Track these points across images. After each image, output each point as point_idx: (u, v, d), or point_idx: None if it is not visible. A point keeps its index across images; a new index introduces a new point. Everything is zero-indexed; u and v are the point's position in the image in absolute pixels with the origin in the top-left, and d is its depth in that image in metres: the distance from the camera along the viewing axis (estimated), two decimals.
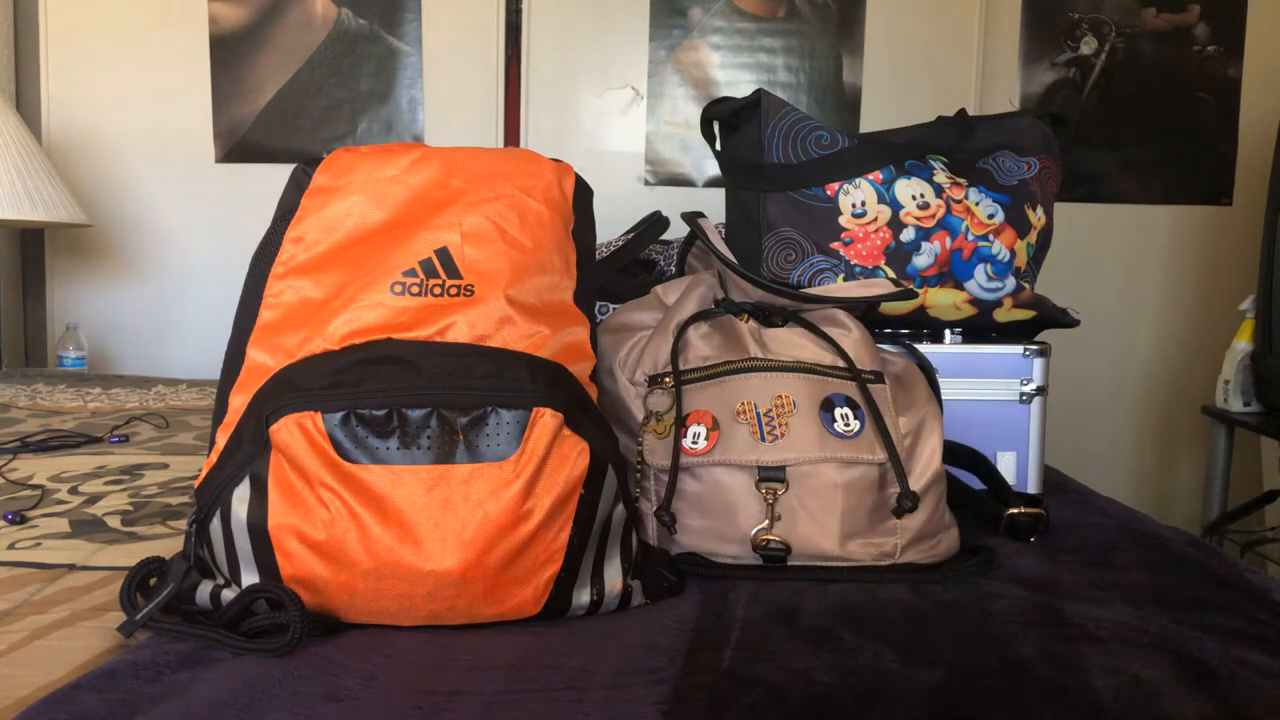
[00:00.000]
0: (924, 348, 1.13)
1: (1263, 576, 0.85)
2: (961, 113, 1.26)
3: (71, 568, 0.84)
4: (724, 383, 0.88)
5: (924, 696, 0.60)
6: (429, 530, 0.66)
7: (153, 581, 0.72)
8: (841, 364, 0.89)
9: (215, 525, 0.71)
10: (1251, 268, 2.24)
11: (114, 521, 0.98)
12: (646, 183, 2.47)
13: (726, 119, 1.22)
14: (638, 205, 2.38)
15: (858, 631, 0.71)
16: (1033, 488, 1.16)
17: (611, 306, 1.31)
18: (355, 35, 2.46)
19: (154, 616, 0.67)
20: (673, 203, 2.41)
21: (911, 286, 1.14)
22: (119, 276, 2.55)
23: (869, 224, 1.14)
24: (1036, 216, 1.19)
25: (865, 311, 1.01)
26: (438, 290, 0.73)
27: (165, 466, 1.23)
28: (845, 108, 2.41)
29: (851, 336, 0.92)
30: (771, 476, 0.83)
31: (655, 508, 0.85)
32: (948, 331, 1.18)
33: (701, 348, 0.91)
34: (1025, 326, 1.19)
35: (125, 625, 0.67)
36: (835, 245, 1.14)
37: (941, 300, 1.14)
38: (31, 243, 2.59)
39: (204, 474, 0.73)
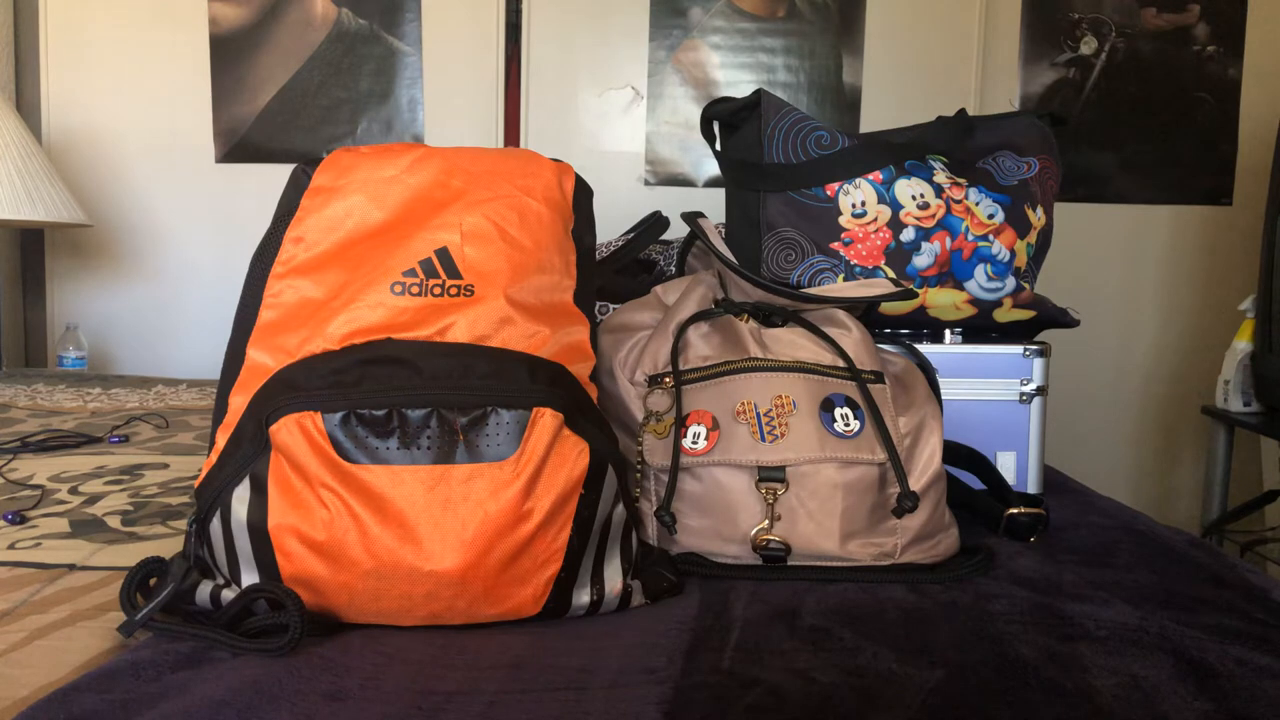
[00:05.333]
0: (924, 348, 1.13)
1: (1263, 576, 0.85)
2: (961, 113, 1.26)
3: (71, 568, 0.84)
4: (724, 383, 0.88)
5: (924, 696, 0.60)
6: (429, 530, 0.66)
7: (153, 581, 0.72)
8: (841, 364, 0.89)
9: (215, 525, 0.71)
10: (1251, 268, 2.24)
11: (114, 521, 0.98)
12: (646, 183, 2.47)
13: (726, 119, 1.22)
14: (638, 205, 2.38)
15: (858, 631, 0.71)
16: (1033, 488, 1.16)
17: (611, 306, 1.31)
18: (355, 35, 2.46)
19: (154, 616, 0.67)
20: (673, 203, 2.41)
21: (911, 286, 1.14)
22: (119, 276, 2.55)
23: (869, 224, 1.14)
24: (1036, 216, 1.19)
25: (865, 311, 1.01)
26: (438, 290, 0.73)
27: (165, 466, 1.23)
28: (845, 108, 2.41)
29: (851, 336, 0.92)
30: (771, 476, 0.83)
31: (655, 508, 0.85)
32: (948, 331, 1.18)
33: (701, 348, 0.92)
34: (1025, 326, 1.19)
35: (125, 625, 0.67)
36: (835, 245, 1.14)
37: (941, 300, 1.14)
38: (31, 243, 2.59)
39: (204, 474, 0.73)
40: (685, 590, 0.81)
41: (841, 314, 0.95)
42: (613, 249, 1.41)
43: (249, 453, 0.69)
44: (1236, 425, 2.05)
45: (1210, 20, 2.37)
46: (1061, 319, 1.19)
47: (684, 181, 2.46)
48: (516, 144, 2.48)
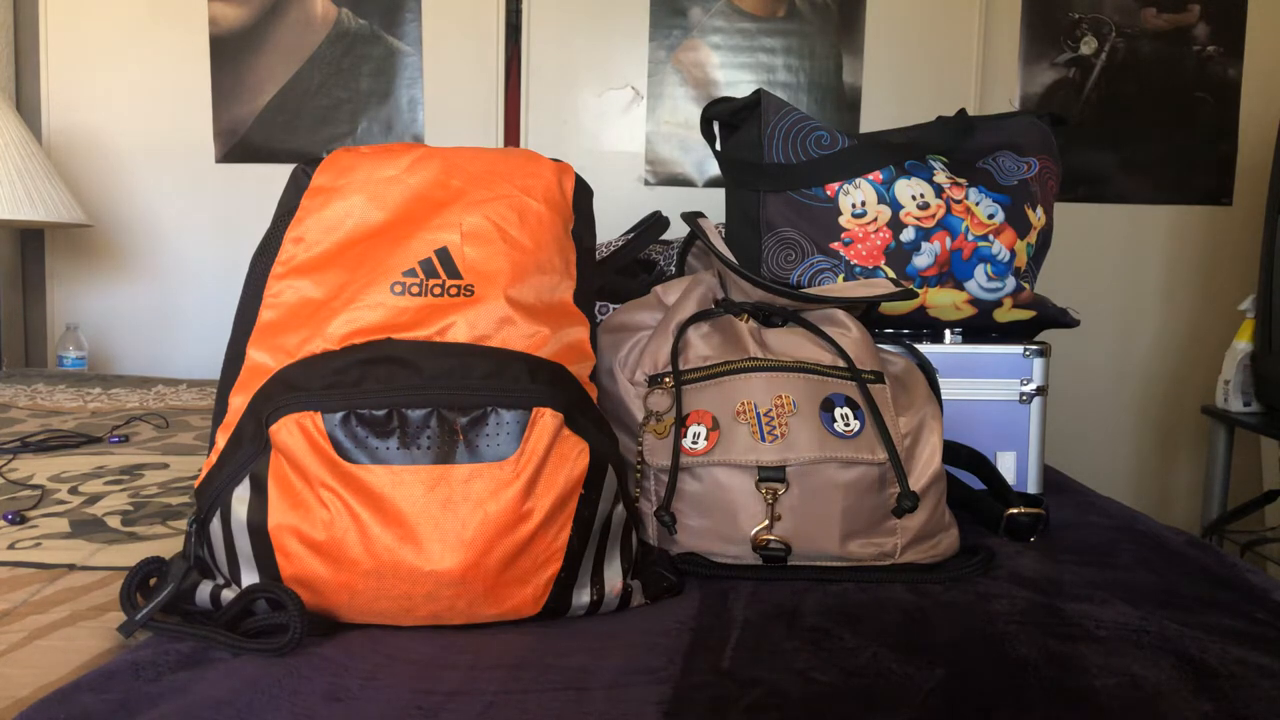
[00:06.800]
0: (924, 348, 1.13)
1: (1263, 576, 0.85)
2: (961, 113, 1.26)
3: (71, 568, 0.84)
4: (724, 383, 0.88)
5: (924, 696, 0.60)
6: (429, 530, 0.66)
7: (153, 581, 0.72)
8: (841, 364, 0.89)
9: (215, 525, 0.71)
10: (1251, 268, 2.24)
11: (114, 521, 0.98)
12: (646, 183, 2.47)
13: (726, 119, 1.22)
14: (638, 205, 2.38)
15: (858, 631, 0.71)
16: (1033, 488, 1.16)
17: (611, 306, 1.31)
18: (355, 35, 2.46)
19: (154, 616, 0.67)
20: (673, 203, 2.41)
21: (911, 286, 1.14)
22: (119, 276, 2.55)
23: (869, 224, 1.14)
24: (1036, 216, 1.19)
25: (865, 311, 1.01)
26: (438, 290, 0.73)
27: (165, 466, 1.23)
28: (845, 108, 2.41)
29: (851, 336, 0.92)
30: (772, 476, 0.83)
31: (655, 508, 0.85)
32: (948, 331, 1.18)
33: (701, 348, 0.91)
34: (1025, 326, 1.19)
35: (125, 625, 0.67)
36: (835, 245, 1.14)
37: (941, 300, 1.14)
38: (31, 243, 2.59)
39: (204, 474, 0.73)
40: (685, 590, 0.81)
41: (841, 314, 0.95)
42: (613, 249, 1.41)
43: (249, 453, 0.69)
44: (1236, 425, 2.05)
45: (1210, 20, 2.37)
46: (1061, 319, 1.19)
47: (684, 181, 2.46)
48: (516, 144, 2.48)
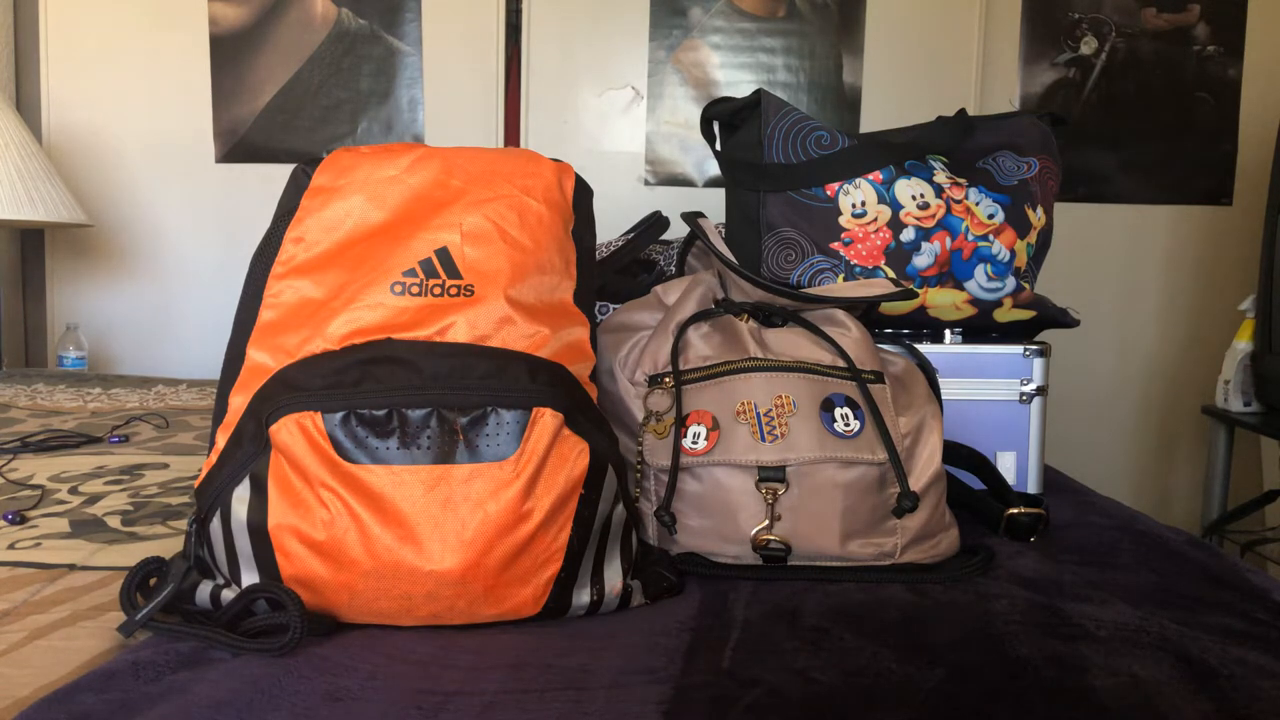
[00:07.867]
0: (924, 348, 1.13)
1: (1263, 576, 0.85)
2: (961, 113, 1.26)
3: (71, 568, 0.84)
4: (724, 383, 0.88)
5: (924, 696, 0.60)
6: (429, 530, 0.66)
7: (153, 581, 0.72)
8: (841, 364, 0.89)
9: (215, 525, 0.71)
10: (1251, 268, 2.24)
11: (114, 521, 0.98)
12: (646, 183, 2.47)
13: (726, 119, 1.22)
14: (638, 205, 2.38)
15: (858, 631, 0.71)
16: (1033, 488, 1.16)
17: (611, 306, 1.31)
18: (355, 35, 2.46)
19: (154, 616, 0.67)
20: (673, 203, 2.41)
21: (911, 286, 1.14)
22: (119, 276, 2.55)
23: (869, 224, 1.14)
24: (1036, 216, 1.19)
25: (865, 311, 1.01)
26: (438, 290, 0.73)
27: (165, 466, 1.23)
28: (845, 108, 2.41)
29: (851, 336, 0.92)
30: (772, 476, 0.83)
31: (655, 508, 0.85)
32: (948, 331, 1.18)
33: (701, 348, 0.91)
34: (1025, 326, 1.19)
35: (125, 625, 0.67)
36: (835, 245, 1.14)
37: (941, 300, 1.14)
38: (31, 243, 2.59)
39: (204, 474, 0.73)
40: (685, 590, 0.81)
41: (841, 314, 0.95)
42: (613, 249, 1.41)
43: (249, 452, 0.70)
44: (1236, 425, 2.05)
45: (1210, 20, 2.37)
46: (1061, 319, 1.19)
47: (684, 181, 2.46)
48: (516, 144, 2.48)
